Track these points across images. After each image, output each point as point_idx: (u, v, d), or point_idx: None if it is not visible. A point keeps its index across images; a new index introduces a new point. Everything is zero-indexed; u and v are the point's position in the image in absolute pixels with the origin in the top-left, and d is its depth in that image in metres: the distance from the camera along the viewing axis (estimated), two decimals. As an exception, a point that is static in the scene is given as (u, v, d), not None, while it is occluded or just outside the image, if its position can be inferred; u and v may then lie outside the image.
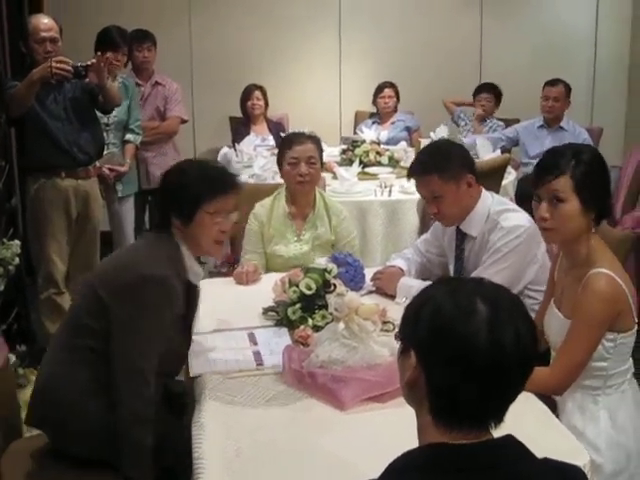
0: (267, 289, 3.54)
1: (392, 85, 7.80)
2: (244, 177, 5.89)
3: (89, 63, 4.77)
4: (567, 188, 2.69)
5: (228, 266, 4.85)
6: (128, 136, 5.80)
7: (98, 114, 5.17)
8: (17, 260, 4.36)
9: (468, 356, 1.50)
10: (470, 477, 1.50)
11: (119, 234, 6.00)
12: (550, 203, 2.73)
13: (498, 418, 1.57)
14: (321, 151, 4.22)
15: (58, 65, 4.64)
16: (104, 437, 2.62)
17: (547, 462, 1.61)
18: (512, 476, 1.53)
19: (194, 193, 2.77)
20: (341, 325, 2.78)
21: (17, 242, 4.40)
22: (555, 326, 2.84)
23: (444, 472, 1.50)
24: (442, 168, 3.48)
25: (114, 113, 5.48)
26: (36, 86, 4.68)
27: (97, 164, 5.17)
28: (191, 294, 2.91)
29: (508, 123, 7.62)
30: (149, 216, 6.98)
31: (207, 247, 2.86)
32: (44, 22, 4.89)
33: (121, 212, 5.95)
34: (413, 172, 3.65)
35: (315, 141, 4.20)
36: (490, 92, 7.60)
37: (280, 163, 4.20)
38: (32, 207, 5.00)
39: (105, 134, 5.45)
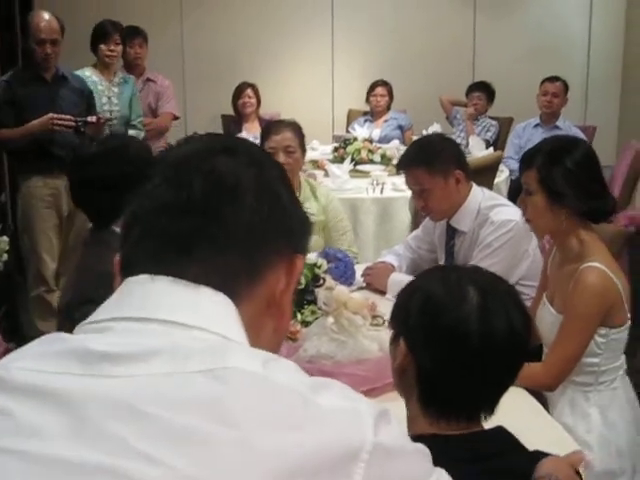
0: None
1: (385, 83, 7.76)
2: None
3: (89, 120, 4.88)
4: (533, 181, 2.73)
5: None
6: (131, 132, 5.74)
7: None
8: (5, 256, 4.33)
9: (458, 342, 1.50)
10: (460, 469, 1.47)
11: None
12: (525, 194, 2.79)
13: (489, 409, 1.56)
14: (302, 138, 4.11)
15: (59, 122, 4.73)
16: None
17: (538, 454, 1.60)
18: (503, 467, 1.51)
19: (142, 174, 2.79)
20: (330, 319, 2.75)
21: (5, 238, 4.37)
22: (547, 321, 2.82)
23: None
24: (430, 161, 3.45)
25: (117, 108, 5.51)
26: (32, 137, 4.73)
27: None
28: None
29: (501, 122, 7.61)
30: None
31: None
32: (45, 20, 4.87)
33: None
34: (401, 164, 3.64)
35: (294, 128, 4.09)
36: (482, 91, 7.57)
37: None
38: (23, 204, 4.98)
39: (108, 129, 5.44)
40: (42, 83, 4.94)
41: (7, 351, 2.98)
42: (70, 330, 1.04)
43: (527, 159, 2.80)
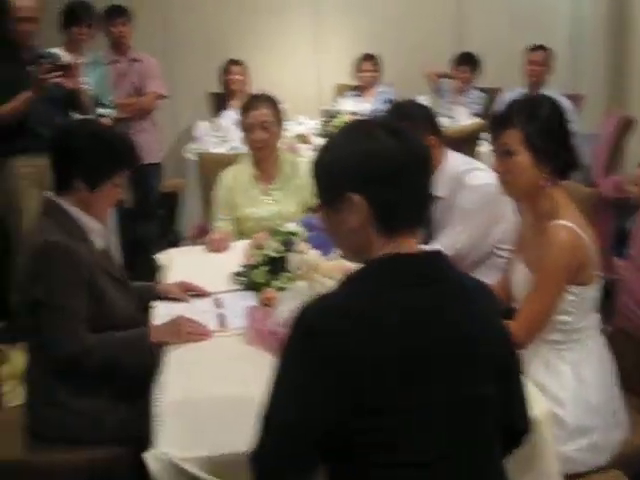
0: (239, 255, 3.52)
1: (372, 57, 7.76)
2: (223, 150, 5.91)
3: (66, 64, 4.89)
4: (516, 141, 2.68)
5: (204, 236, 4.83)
6: (101, 111, 5.74)
7: None
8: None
9: (402, 174, 1.75)
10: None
11: None
12: (502, 156, 2.73)
13: (423, 224, 1.90)
14: (278, 112, 4.15)
15: (45, 76, 4.71)
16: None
17: (469, 276, 1.95)
18: (453, 284, 1.78)
19: (108, 166, 2.82)
20: (303, 283, 2.77)
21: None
22: (520, 281, 2.83)
23: (402, 279, 1.73)
24: None
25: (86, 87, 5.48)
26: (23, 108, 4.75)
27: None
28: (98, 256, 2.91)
29: (489, 93, 7.60)
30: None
31: (101, 213, 2.91)
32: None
33: None
34: None
35: (270, 104, 4.12)
36: (467, 63, 7.59)
37: (242, 129, 4.18)
38: (7, 184, 4.99)
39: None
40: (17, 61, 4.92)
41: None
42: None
43: (502, 120, 2.76)
